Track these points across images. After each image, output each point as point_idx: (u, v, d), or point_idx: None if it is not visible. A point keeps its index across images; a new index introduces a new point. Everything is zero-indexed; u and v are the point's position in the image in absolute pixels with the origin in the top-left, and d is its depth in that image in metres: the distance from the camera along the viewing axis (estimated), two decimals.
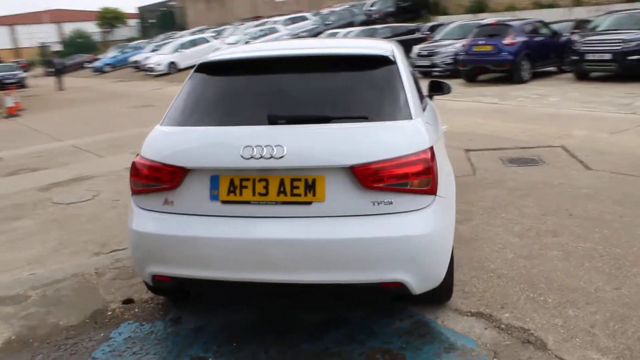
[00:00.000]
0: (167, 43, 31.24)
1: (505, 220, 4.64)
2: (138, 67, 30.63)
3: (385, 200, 2.74)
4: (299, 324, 3.23)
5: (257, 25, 28.64)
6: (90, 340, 3.26)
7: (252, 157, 2.73)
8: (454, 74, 14.53)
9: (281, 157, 2.72)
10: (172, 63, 27.13)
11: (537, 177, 5.80)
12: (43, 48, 48.59)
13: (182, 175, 2.87)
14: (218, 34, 32.35)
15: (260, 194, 2.79)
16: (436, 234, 2.81)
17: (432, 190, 2.80)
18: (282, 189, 2.77)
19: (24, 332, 3.41)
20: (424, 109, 3.34)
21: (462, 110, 10.34)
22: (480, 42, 13.50)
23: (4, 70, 30.74)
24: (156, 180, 2.93)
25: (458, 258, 3.87)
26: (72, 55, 44.27)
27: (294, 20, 27.09)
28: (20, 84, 29.57)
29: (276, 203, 2.78)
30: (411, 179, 2.74)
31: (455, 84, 13.92)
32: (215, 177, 2.84)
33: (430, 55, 15.57)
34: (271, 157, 2.72)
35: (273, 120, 2.90)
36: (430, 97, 4.92)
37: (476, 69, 13.85)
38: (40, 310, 3.67)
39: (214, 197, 2.84)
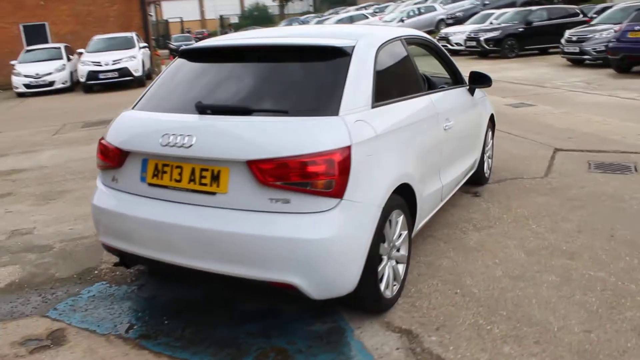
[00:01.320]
0: (328, 18, 32.01)
1: (529, 233, 4.10)
2: None
3: (282, 199, 2.64)
4: (231, 310, 3.26)
5: (416, 4, 27.93)
6: (64, 292, 3.65)
7: (167, 145, 2.82)
8: (607, 62, 12.77)
9: (190, 146, 2.76)
10: None
11: (611, 187, 4.98)
12: (222, 20, 52.83)
13: (123, 157, 3.06)
14: (380, 11, 32.29)
15: (175, 180, 2.86)
16: (337, 239, 2.62)
17: (336, 193, 2.62)
18: (192, 177, 2.81)
19: (26, 277, 3.93)
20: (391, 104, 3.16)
21: (585, 104, 9.15)
22: (636, 28, 11.63)
23: (181, 40, 34.45)
24: (106, 158, 3.17)
25: (438, 268, 3.59)
26: (247, 27, 47.59)
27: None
28: None
29: (187, 190, 2.84)
30: (313, 179, 2.59)
31: (603, 74, 12.42)
32: (145, 160, 2.98)
33: (580, 41, 13.84)
34: (182, 145, 2.77)
35: (202, 110, 2.92)
36: (472, 89, 4.51)
37: (629, 58, 11.99)
38: (51, 261, 4.19)
39: (143, 179, 2.99)
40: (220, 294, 3.45)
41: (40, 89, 16.96)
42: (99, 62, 16.32)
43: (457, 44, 19.14)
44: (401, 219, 3.14)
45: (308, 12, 51.71)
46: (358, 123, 2.80)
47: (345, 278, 2.71)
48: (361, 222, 2.73)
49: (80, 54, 17.34)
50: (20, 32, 20.73)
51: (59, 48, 18.22)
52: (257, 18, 56.22)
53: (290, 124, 2.72)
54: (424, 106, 3.56)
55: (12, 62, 17.58)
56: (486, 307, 3.11)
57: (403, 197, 3.16)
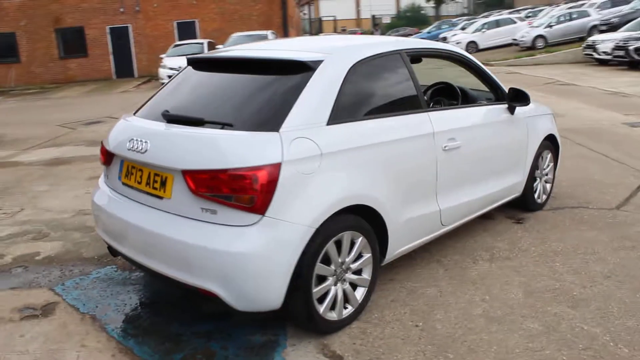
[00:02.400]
0: (474, 21, 30.81)
1: (547, 270, 3.67)
2: None
3: (211, 209, 2.69)
4: (195, 310, 3.37)
5: (569, 8, 25.69)
6: (79, 271, 4.05)
7: (131, 149, 3.02)
8: None
9: (145, 152, 2.94)
10: (472, 43, 26.77)
11: None
12: (374, 19, 53.20)
13: (110, 157, 3.33)
14: (534, 15, 30.30)
15: (137, 182, 3.06)
16: (254, 255, 2.61)
17: (257, 210, 2.60)
18: (148, 181, 2.98)
19: (60, 253, 4.42)
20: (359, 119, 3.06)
21: None
22: None
23: None
24: (102, 157, 3.47)
25: (418, 296, 3.40)
26: (397, 28, 47.48)
27: (614, 4, 23.35)
28: None
29: (145, 192, 3.01)
30: (236, 193, 2.61)
31: None
32: (122, 161, 3.22)
33: None
34: (139, 150, 2.96)
35: (168, 118, 3.05)
36: (511, 108, 4.14)
37: None
38: (87, 241, 4.65)
39: (119, 177, 3.24)
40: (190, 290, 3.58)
41: None
42: None
43: (604, 52, 17.28)
44: (360, 241, 3.00)
45: (462, 15, 50.14)
46: (299, 140, 2.73)
47: (267, 293, 2.68)
48: (285, 241, 2.66)
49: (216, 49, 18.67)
50: (174, 28, 22.91)
51: (202, 43, 19.79)
52: (411, 19, 55.82)
53: (224, 138, 2.75)
54: (410, 125, 3.33)
55: (162, 56, 19.49)
56: (437, 346, 2.85)
57: (368, 219, 3.03)
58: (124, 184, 3.18)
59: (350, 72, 3.08)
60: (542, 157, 4.75)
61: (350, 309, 3.06)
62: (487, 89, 4.41)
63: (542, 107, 4.94)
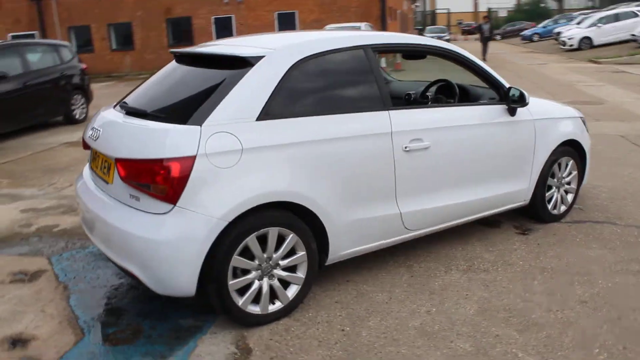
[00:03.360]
0: (589, 16, 28.43)
1: (520, 289, 3.39)
2: (557, 39, 29.22)
3: (135, 196, 2.83)
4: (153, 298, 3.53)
5: None
6: (80, 245, 4.38)
7: (89, 137, 3.24)
8: None
9: (96, 139, 3.14)
10: (586, 39, 24.78)
11: None
12: (490, 13, 50.86)
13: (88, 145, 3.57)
14: None
15: (97, 167, 3.27)
16: (164, 242, 2.70)
17: (170, 199, 2.70)
18: (101, 166, 3.18)
19: (74, 228, 4.75)
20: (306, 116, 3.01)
21: None
22: None
23: (436, 32, 34.59)
24: (83, 142, 3.69)
25: (364, 301, 3.31)
26: (514, 22, 45.04)
27: None
28: None
29: (100, 177, 3.21)
30: (152, 182, 2.73)
31: None
32: (92, 148, 3.45)
33: None
34: (92, 138, 3.18)
35: (126, 110, 3.20)
36: (512, 109, 3.86)
37: None
38: None
39: (89, 163, 3.49)
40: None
41: None
42: None
43: None
44: (290, 238, 2.97)
45: (587, 8, 46.37)
46: (219, 135, 2.76)
47: (178, 280, 2.75)
48: (194, 231, 2.71)
49: None
50: (274, 19, 23.56)
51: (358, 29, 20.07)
52: (530, 12, 52.70)
53: (148, 129, 2.86)
54: (360, 123, 3.20)
55: None
56: (348, 353, 2.77)
57: (305, 217, 3.00)
58: (91, 168, 3.41)
59: (294, 68, 3.04)
60: (559, 165, 4.35)
61: (279, 305, 3.05)
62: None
63: (564, 110, 4.52)
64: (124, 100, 3.33)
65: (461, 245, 4.03)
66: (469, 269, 3.66)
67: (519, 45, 34.29)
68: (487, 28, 21.80)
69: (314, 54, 3.14)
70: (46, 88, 9.72)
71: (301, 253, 3.05)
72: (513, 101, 3.84)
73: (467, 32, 48.51)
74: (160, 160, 2.68)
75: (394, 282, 3.51)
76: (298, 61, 3.07)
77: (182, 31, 24.37)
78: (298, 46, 3.17)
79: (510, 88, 3.88)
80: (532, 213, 4.38)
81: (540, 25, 37.35)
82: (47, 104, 9.81)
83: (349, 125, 3.15)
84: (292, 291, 3.08)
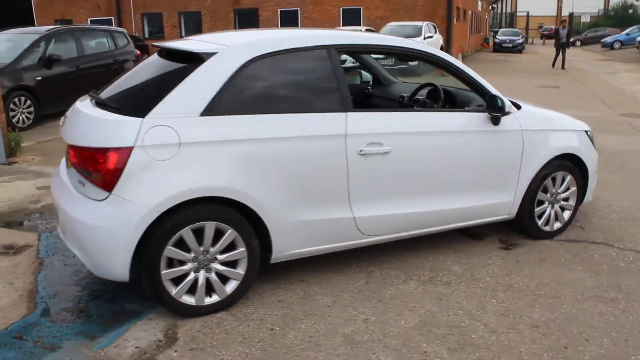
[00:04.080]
0: None
1: (473, 305, 3.25)
2: (638, 47, 27.49)
3: (82, 182, 2.96)
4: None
5: None
6: None
7: (60, 125, 3.41)
8: None
9: (62, 126, 3.31)
10: None
11: None
12: (571, 17, 48.37)
13: None
14: None
15: (66, 152, 3.40)
16: (97, 227, 2.82)
17: (106, 187, 2.82)
18: (66, 151, 3.33)
19: None
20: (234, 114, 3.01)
21: None
22: None
23: (508, 34, 33.29)
24: None
25: (306, 303, 3.29)
26: (597, 28, 42.67)
27: None
28: (517, 50, 31.57)
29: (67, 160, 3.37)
30: (93, 170, 2.85)
31: None
32: None
33: None
34: (61, 126, 3.35)
35: (95, 99, 3.31)
36: (495, 118, 3.71)
37: None
38: None
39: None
40: None
41: None
42: None
43: None
44: (229, 233, 3.00)
45: None
46: (158, 128, 2.83)
47: (112, 265, 2.85)
48: (126, 219, 2.79)
49: None
50: (339, 14, 23.54)
51: (360, 30, 20.05)
52: (617, 18, 49.69)
53: (98, 119, 2.95)
54: (311, 124, 3.16)
55: None
56: (266, 353, 2.76)
57: (247, 214, 3.02)
58: (67, 153, 3.57)
59: (246, 66, 3.05)
60: (553, 179, 4.10)
61: (216, 299, 3.08)
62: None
63: (565, 121, 4.26)
64: (98, 90, 3.45)
65: (433, 255, 3.90)
66: (429, 280, 3.55)
67: (596, 53, 32.45)
68: (564, 33, 20.47)
69: (269, 53, 3.13)
70: (98, 72, 10.22)
71: (241, 249, 3.06)
72: (493, 109, 3.66)
73: (546, 36, 46.35)
74: (100, 149, 2.79)
75: (346, 286, 3.45)
76: (251, 59, 3.07)
77: (248, 22, 24.86)
78: (252, 44, 3.17)
79: (493, 96, 3.70)
80: (520, 228, 4.17)
81: (624, 32, 35.13)
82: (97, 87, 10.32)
83: (298, 125, 3.12)
84: (231, 286, 3.11)
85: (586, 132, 4.33)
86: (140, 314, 3.12)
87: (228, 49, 3.08)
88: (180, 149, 2.85)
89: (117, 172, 2.77)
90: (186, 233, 2.91)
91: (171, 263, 2.95)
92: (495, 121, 3.72)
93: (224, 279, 3.10)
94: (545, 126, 4.03)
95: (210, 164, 2.91)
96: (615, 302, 3.29)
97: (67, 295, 3.37)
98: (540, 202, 4.13)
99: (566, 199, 4.27)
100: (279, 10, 24.21)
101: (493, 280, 3.56)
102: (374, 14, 23.07)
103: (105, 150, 2.78)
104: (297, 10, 23.98)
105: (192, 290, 3.03)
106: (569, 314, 3.15)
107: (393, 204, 3.46)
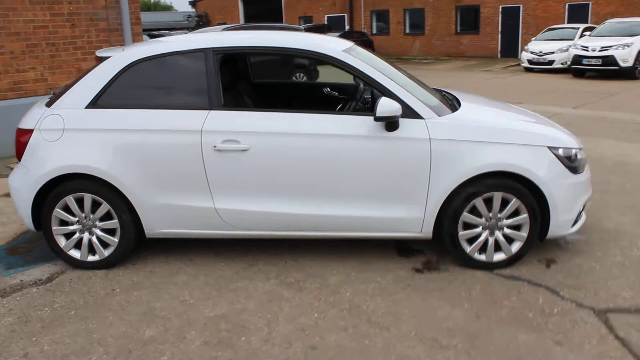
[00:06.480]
0: None
1: (258, 320, 3.30)
2: None
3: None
4: None
5: None
6: None
7: None
8: None
9: None
10: None
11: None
12: None
13: None
14: None
15: None
16: (13, 188, 3.80)
17: (18, 157, 3.82)
18: None
19: None
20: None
21: None
22: None
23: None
24: None
25: (157, 285, 3.77)
26: None
27: None
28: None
29: None
30: (15, 144, 3.82)
31: None
32: None
33: None
34: None
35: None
36: (390, 124, 3.55)
37: None
38: None
39: None
40: None
41: (540, 66, 17.61)
42: (586, 47, 15.49)
43: None
44: (103, 205, 3.69)
45: None
46: (52, 116, 3.65)
47: (22, 216, 3.80)
48: (25, 182, 3.69)
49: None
50: (564, 10, 21.30)
51: (577, 29, 18.03)
52: None
53: (30, 110, 3.88)
54: (170, 119, 3.58)
55: (533, 39, 18.76)
56: (88, 302, 3.34)
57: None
58: None
59: (128, 68, 3.65)
60: (488, 200, 3.63)
61: (96, 258, 3.80)
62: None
63: (512, 133, 3.64)
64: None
65: (335, 262, 3.89)
66: (289, 283, 3.62)
67: None
68: None
69: (147, 57, 3.66)
70: (268, 66, 11.59)
71: (115, 220, 3.69)
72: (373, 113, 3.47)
73: None
74: (18, 130, 3.76)
75: (212, 272, 3.77)
76: (132, 62, 3.66)
77: (469, 19, 24.26)
78: (137, 50, 3.72)
79: (381, 97, 3.47)
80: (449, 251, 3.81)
81: None
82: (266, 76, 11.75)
83: (163, 120, 3.58)
84: (108, 251, 3.79)
85: (549, 147, 3.66)
86: (52, 259, 3.98)
87: (118, 54, 3.70)
88: (63, 133, 3.61)
89: (22, 147, 3.67)
90: (69, 200, 3.66)
91: (63, 223, 3.73)
92: (391, 127, 3.51)
93: (104, 244, 3.77)
94: (470, 137, 3.56)
95: (82, 147, 3.61)
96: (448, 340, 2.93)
97: (31, 237, 4.43)
98: (471, 226, 3.71)
99: (516, 227, 3.72)
100: (500, 7, 23.03)
101: (351, 298, 3.42)
102: (604, 10, 20.25)
103: (20, 131, 3.72)
104: (519, 7, 22.47)
105: (78, 246, 3.78)
106: (359, 348, 2.95)
107: (257, 200, 3.63)
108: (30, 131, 3.67)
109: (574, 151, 3.74)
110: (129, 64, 3.66)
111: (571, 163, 3.70)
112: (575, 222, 3.87)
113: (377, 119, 3.43)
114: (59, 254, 3.82)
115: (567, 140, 3.78)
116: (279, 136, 3.55)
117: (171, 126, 3.58)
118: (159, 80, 3.70)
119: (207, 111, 3.59)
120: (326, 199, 3.63)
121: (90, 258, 3.80)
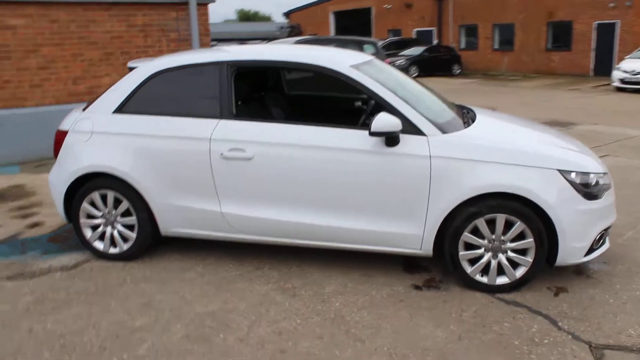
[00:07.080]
0: None
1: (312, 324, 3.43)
2: None
3: None
4: None
5: None
6: None
7: None
8: None
9: None
10: None
11: None
12: None
13: None
14: None
15: None
16: (50, 181, 4.25)
17: (55, 155, 4.25)
18: None
19: None
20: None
21: None
22: None
23: None
24: None
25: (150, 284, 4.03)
26: None
27: None
28: None
29: None
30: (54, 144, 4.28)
31: None
32: None
33: None
34: None
35: None
36: (390, 139, 3.63)
37: None
38: None
39: None
40: None
41: (633, 86, 16.53)
42: None
43: None
44: (123, 203, 4.03)
45: None
46: (84, 119, 4.05)
47: (58, 207, 4.22)
48: (60, 177, 4.12)
49: None
50: None
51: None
52: None
53: (70, 113, 4.31)
54: (183, 126, 3.83)
55: (627, 57, 17.66)
56: (99, 288, 3.66)
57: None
58: None
59: (151, 78, 3.97)
60: (491, 222, 3.54)
61: (117, 250, 4.14)
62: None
63: (520, 154, 3.53)
64: None
65: (338, 270, 3.97)
66: (285, 289, 3.74)
67: None
68: None
69: (169, 68, 3.95)
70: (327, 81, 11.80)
71: (133, 217, 4.01)
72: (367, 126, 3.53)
73: None
74: (57, 131, 4.18)
75: (217, 272, 3.98)
76: (154, 73, 3.97)
77: (561, 35, 23.20)
78: (159, 62, 4.02)
79: (380, 113, 3.51)
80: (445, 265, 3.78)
81: None
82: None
83: (178, 126, 3.86)
84: (128, 244, 4.11)
85: (559, 171, 3.52)
86: (84, 249, 4.36)
87: (143, 65, 4.03)
88: (92, 136, 3.99)
89: (59, 146, 4.09)
90: (95, 196, 4.04)
91: (90, 216, 4.11)
92: (390, 143, 3.55)
93: (124, 238, 4.10)
94: (472, 156, 3.51)
95: (107, 149, 3.97)
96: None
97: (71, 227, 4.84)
98: (473, 246, 3.65)
99: (522, 252, 3.62)
100: (594, 23, 21.80)
101: (339, 308, 3.49)
102: None
103: (59, 131, 4.17)
104: (615, 23, 21.15)
105: (102, 238, 4.15)
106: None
107: (260, 207, 3.80)
108: (66, 132, 4.10)
109: (592, 176, 3.57)
110: (152, 74, 3.98)
111: (586, 188, 3.54)
112: (592, 250, 3.69)
113: (372, 134, 3.48)
114: (86, 245, 4.21)
115: (584, 165, 3.61)
116: (282, 147, 3.70)
117: (184, 133, 3.85)
118: (177, 90, 3.98)
119: (218, 120, 3.82)
120: (326, 210, 3.73)
121: (112, 250, 4.15)
